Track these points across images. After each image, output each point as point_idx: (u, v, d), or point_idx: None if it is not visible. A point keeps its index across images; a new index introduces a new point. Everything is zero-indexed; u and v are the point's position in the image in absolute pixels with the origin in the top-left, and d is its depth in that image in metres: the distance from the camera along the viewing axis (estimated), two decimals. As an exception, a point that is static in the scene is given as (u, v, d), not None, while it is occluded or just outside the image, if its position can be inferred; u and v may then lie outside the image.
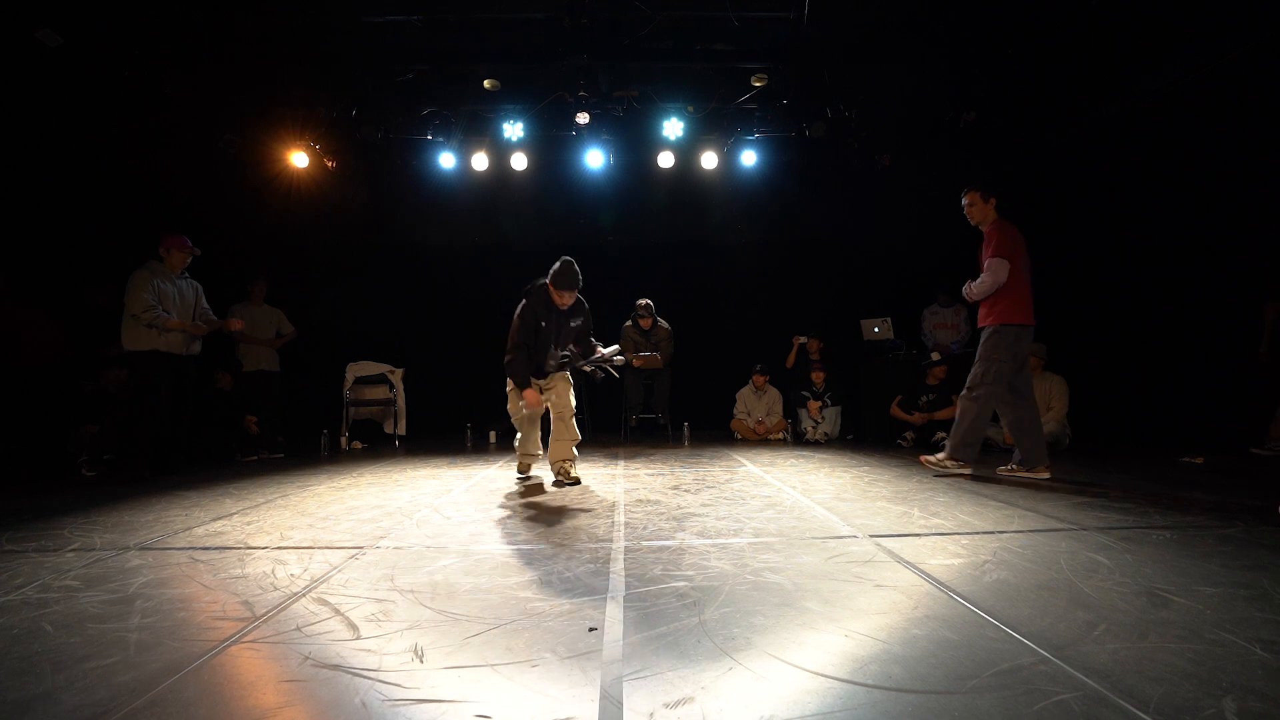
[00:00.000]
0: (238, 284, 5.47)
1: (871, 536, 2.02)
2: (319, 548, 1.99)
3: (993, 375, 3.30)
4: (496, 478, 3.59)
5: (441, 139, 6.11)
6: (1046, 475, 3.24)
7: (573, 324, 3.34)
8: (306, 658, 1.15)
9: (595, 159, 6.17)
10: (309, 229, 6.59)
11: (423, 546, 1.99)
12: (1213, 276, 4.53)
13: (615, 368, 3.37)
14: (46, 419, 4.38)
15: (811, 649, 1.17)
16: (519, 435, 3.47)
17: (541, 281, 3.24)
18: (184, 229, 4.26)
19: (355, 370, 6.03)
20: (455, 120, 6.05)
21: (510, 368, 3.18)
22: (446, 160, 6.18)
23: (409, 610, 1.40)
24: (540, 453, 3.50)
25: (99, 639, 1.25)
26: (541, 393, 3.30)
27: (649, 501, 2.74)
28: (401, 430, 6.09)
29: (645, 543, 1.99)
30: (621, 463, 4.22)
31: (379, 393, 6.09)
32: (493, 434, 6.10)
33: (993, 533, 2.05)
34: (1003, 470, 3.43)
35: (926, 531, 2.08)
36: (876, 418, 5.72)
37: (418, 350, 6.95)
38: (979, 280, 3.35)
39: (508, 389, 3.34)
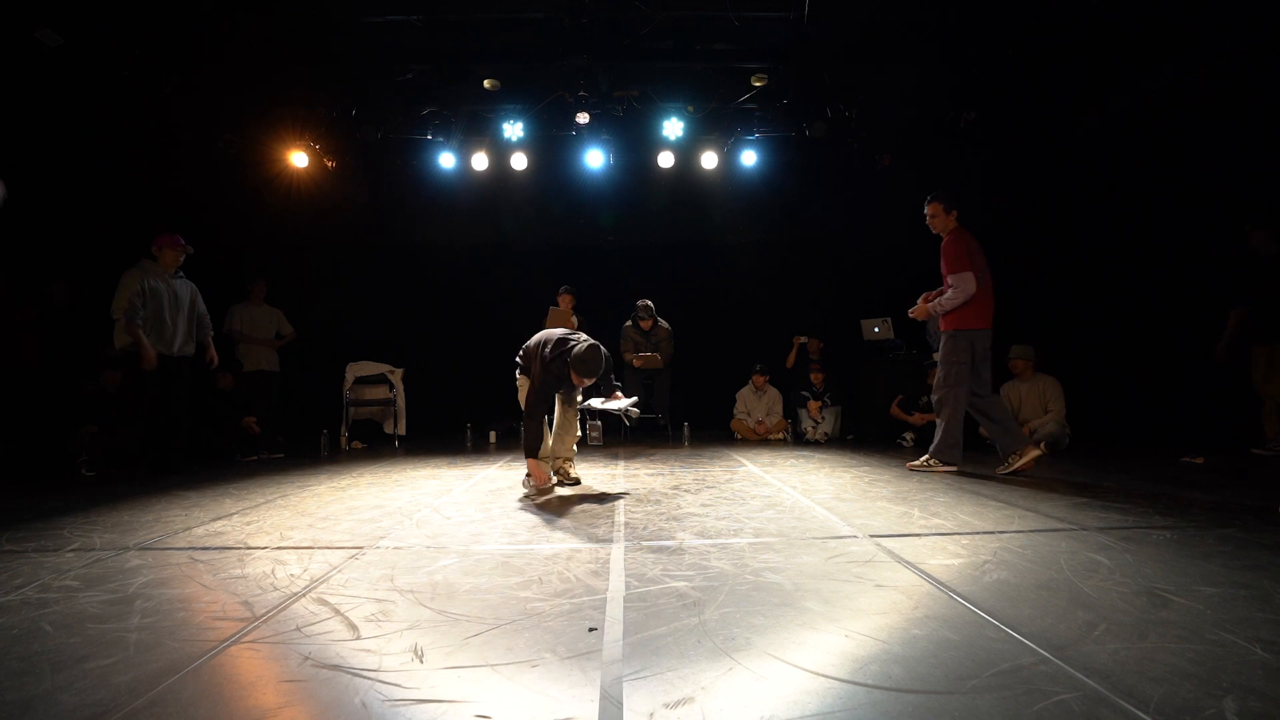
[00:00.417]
0: (238, 284, 5.48)
1: (871, 536, 2.02)
2: (319, 548, 1.99)
3: (954, 377, 3.52)
4: (496, 478, 3.59)
5: (441, 139, 6.12)
6: (1038, 452, 3.36)
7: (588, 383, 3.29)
8: (306, 658, 1.15)
9: (595, 159, 6.17)
10: (309, 229, 6.60)
11: (423, 546, 1.99)
12: (1213, 276, 4.53)
13: (630, 417, 3.33)
14: (46, 419, 4.38)
15: (811, 649, 1.17)
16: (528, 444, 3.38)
17: (561, 351, 3.02)
18: (184, 229, 4.25)
19: (355, 370, 6.03)
20: (455, 120, 6.06)
21: (525, 433, 3.08)
22: (446, 160, 6.19)
23: (409, 610, 1.40)
24: (560, 456, 3.41)
25: (98, 639, 1.25)
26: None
27: (649, 501, 2.74)
28: (401, 430, 6.09)
29: (645, 543, 1.99)
30: (621, 463, 4.22)
31: (379, 393, 6.09)
32: (493, 434, 6.10)
33: (993, 533, 2.05)
34: (1001, 471, 3.46)
35: (927, 531, 2.08)
36: (876, 418, 5.72)
37: (418, 350, 6.95)
38: (947, 295, 3.53)
39: (517, 382, 3.32)
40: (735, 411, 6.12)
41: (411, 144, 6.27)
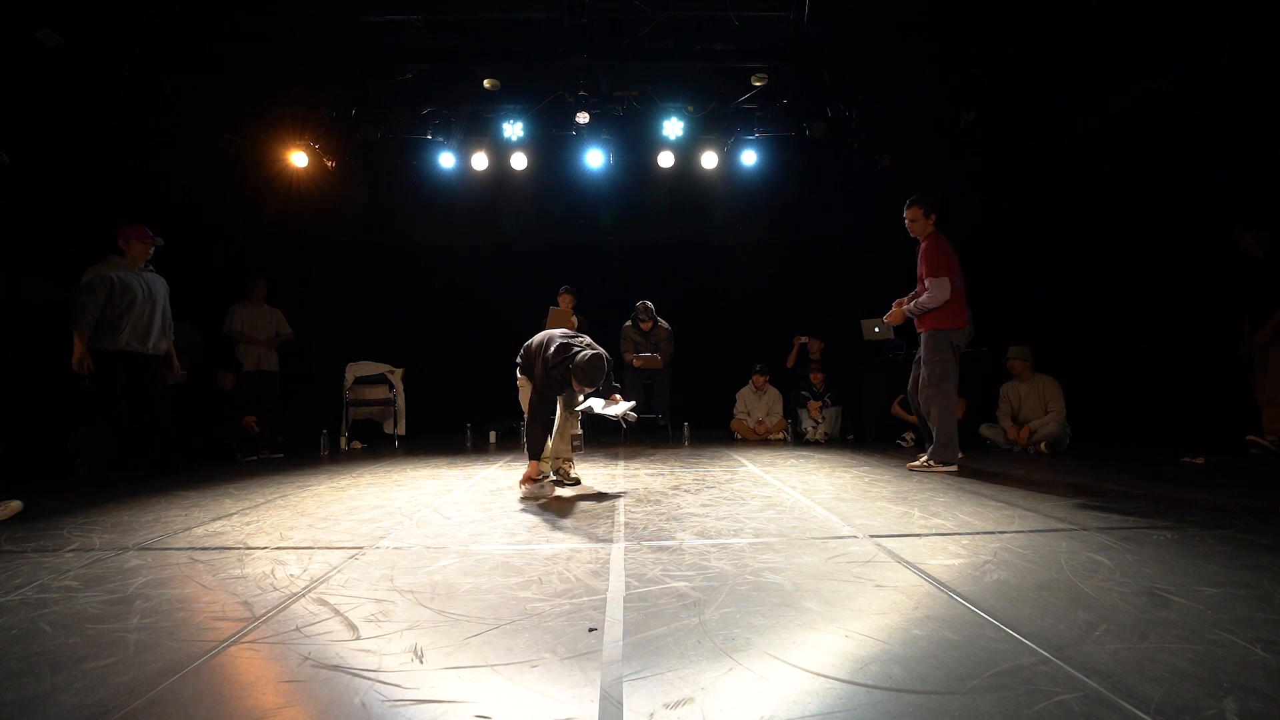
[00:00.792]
0: (238, 284, 5.48)
1: (872, 536, 2.02)
2: (319, 548, 1.99)
3: (938, 376, 3.59)
4: (496, 478, 3.58)
5: (441, 139, 6.12)
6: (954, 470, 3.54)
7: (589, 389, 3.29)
8: (306, 658, 1.15)
9: (595, 159, 6.17)
10: (309, 229, 6.59)
11: (423, 546, 1.99)
12: (1213, 276, 4.53)
13: (628, 421, 3.33)
14: (46, 419, 4.37)
15: (811, 649, 1.17)
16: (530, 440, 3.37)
17: (564, 357, 3.02)
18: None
19: (355, 370, 6.03)
20: (455, 120, 6.06)
21: (529, 437, 3.10)
22: (446, 160, 6.19)
23: (409, 610, 1.40)
24: (560, 456, 3.42)
25: (98, 639, 1.25)
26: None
27: (649, 501, 2.74)
28: (401, 430, 6.09)
29: (645, 543, 1.99)
30: (621, 463, 4.22)
31: (379, 393, 6.09)
32: (493, 434, 6.10)
33: (993, 533, 2.05)
34: (915, 466, 3.68)
35: (927, 532, 2.08)
36: (876, 418, 5.72)
37: (418, 350, 6.95)
38: (922, 299, 3.62)
39: (518, 382, 3.32)
40: (735, 411, 6.12)
41: (411, 144, 6.27)
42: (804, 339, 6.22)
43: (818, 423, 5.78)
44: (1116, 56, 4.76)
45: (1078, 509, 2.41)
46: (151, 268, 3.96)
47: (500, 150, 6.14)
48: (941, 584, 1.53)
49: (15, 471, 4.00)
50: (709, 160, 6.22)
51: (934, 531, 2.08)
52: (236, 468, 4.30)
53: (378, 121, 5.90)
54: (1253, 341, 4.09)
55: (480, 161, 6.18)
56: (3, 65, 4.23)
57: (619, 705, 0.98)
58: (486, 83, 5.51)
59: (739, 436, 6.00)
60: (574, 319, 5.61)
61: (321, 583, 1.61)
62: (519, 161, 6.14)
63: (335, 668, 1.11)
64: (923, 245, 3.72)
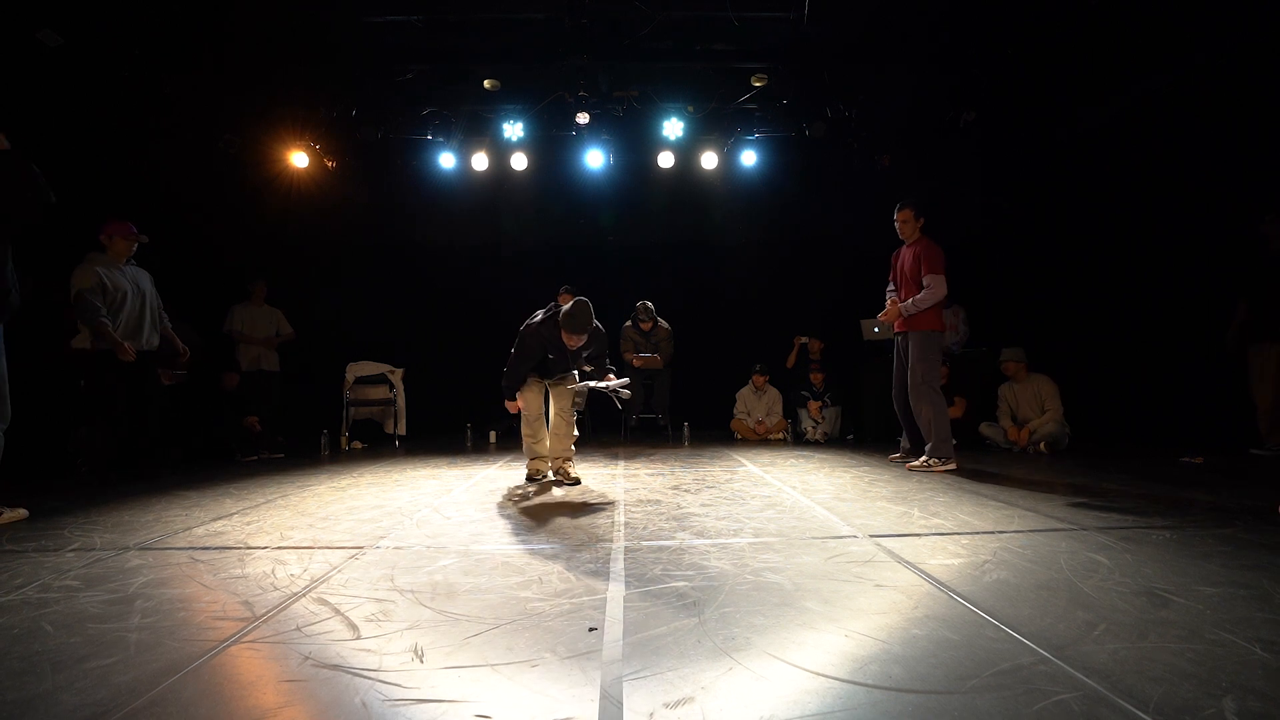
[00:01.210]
0: (238, 284, 5.48)
1: (871, 536, 2.02)
2: (319, 548, 1.99)
3: (932, 376, 3.68)
4: (496, 478, 3.59)
5: (441, 139, 6.12)
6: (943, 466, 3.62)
7: (584, 354, 3.28)
8: (306, 658, 1.15)
9: (595, 159, 6.17)
10: (309, 229, 6.59)
11: (423, 546, 1.99)
12: (1212, 276, 4.53)
13: (621, 400, 3.34)
14: (46, 419, 4.37)
15: (811, 649, 1.17)
16: (525, 438, 3.43)
17: (553, 312, 3.12)
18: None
19: (355, 370, 6.03)
20: (455, 120, 6.06)
21: (504, 389, 3.24)
22: (446, 160, 6.19)
23: (409, 610, 1.40)
24: (559, 456, 3.45)
25: (99, 639, 1.25)
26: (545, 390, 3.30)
27: (649, 501, 2.74)
28: (401, 430, 6.10)
29: (645, 543, 1.99)
30: (621, 463, 4.22)
31: (379, 393, 6.09)
32: (493, 434, 6.10)
33: (993, 533, 2.05)
34: (895, 458, 3.89)
35: (926, 531, 2.08)
36: (876, 418, 5.72)
37: (418, 350, 6.95)
38: (920, 296, 3.68)
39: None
40: (735, 411, 6.12)
41: (411, 144, 6.27)
42: (804, 339, 6.22)
43: (818, 423, 5.78)
44: (1116, 56, 4.77)
45: (1078, 509, 2.41)
46: (133, 262, 3.85)
47: (500, 150, 6.14)
48: (941, 584, 1.53)
49: (15, 471, 4.01)
50: (709, 160, 6.22)
51: (934, 531, 2.08)
52: (237, 468, 4.30)
53: (378, 121, 5.90)
54: (1230, 337, 4.10)
55: (480, 161, 6.18)
56: (3, 65, 4.23)
57: (619, 705, 0.98)
58: (486, 83, 5.51)
59: (739, 436, 6.00)
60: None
61: (322, 582, 1.61)
62: (519, 162, 6.14)
63: (336, 667, 1.11)
64: (915, 246, 3.80)
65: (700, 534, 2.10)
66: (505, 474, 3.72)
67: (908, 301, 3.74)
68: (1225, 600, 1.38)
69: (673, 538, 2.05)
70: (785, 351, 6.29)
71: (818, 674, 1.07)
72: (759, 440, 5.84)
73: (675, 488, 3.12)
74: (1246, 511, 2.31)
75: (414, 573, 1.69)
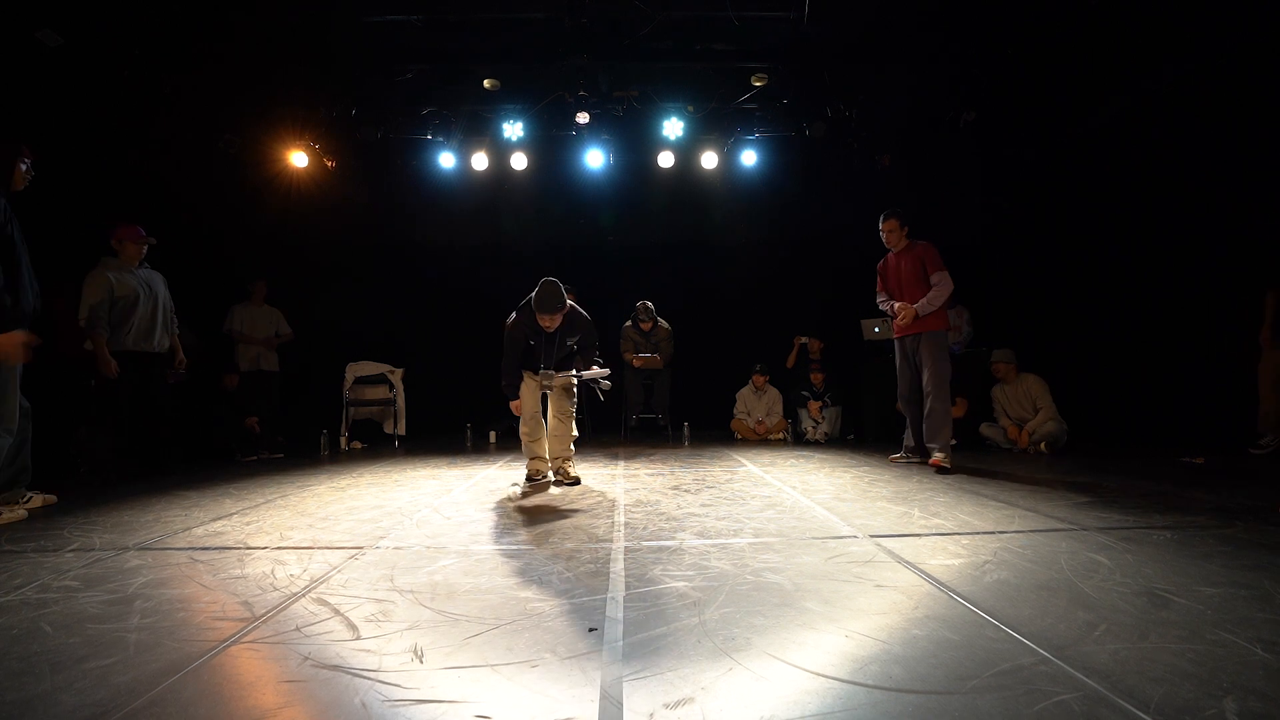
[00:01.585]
0: (238, 284, 5.48)
1: (871, 536, 2.02)
2: (319, 548, 1.99)
3: (947, 374, 3.72)
4: (496, 478, 3.58)
5: (441, 139, 6.11)
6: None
7: (569, 342, 3.26)
8: (306, 658, 1.15)
9: (595, 159, 6.17)
10: (309, 229, 6.59)
11: (422, 546, 1.99)
12: (1213, 276, 4.53)
13: (603, 390, 3.34)
14: (47, 419, 4.37)
15: (811, 649, 1.17)
16: (523, 438, 3.42)
17: (527, 300, 3.14)
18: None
19: (355, 370, 6.03)
20: (455, 120, 6.05)
21: (503, 388, 3.29)
22: (446, 160, 6.18)
23: (409, 610, 1.40)
24: (559, 456, 3.45)
25: (98, 639, 1.25)
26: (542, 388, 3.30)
27: (649, 501, 2.74)
28: (401, 430, 6.09)
29: (645, 543, 1.99)
30: (621, 463, 4.22)
31: (379, 393, 6.09)
32: (493, 434, 6.10)
33: (993, 533, 2.05)
34: (896, 459, 3.95)
35: (927, 531, 2.08)
36: (876, 418, 5.72)
37: (418, 350, 6.95)
38: (934, 293, 3.73)
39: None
40: (735, 411, 6.12)
41: (411, 144, 6.26)
42: (804, 339, 6.22)
43: (818, 423, 5.78)
44: (1116, 56, 4.76)
45: (1078, 509, 2.41)
46: (146, 265, 3.94)
47: (500, 150, 6.13)
48: (941, 584, 1.53)
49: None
50: (709, 160, 6.22)
51: (934, 531, 2.08)
52: (236, 468, 4.30)
53: (378, 121, 5.89)
54: (1262, 336, 4.03)
55: (480, 161, 6.18)
56: (3, 65, 4.23)
57: (619, 705, 0.98)
58: (486, 83, 5.50)
59: (739, 436, 6.00)
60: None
61: (321, 583, 1.61)
62: (519, 161, 6.14)
63: (335, 668, 1.11)
64: (913, 250, 3.88)
65: (700, 534, 2.10)
66: (505, 474, 3.72)
67: (922, 300, 3.76)
68: (1226, 600, 1.38)
69: (673, 538, 2.05)
70: (785, 351, 6.29)
71: (818, 674, 1.06)
72: (759, 440, 5.83)
73: (675, 488, 3.12)
74: (1247, 511, 2.31)
75: (414, 573, 1.69)
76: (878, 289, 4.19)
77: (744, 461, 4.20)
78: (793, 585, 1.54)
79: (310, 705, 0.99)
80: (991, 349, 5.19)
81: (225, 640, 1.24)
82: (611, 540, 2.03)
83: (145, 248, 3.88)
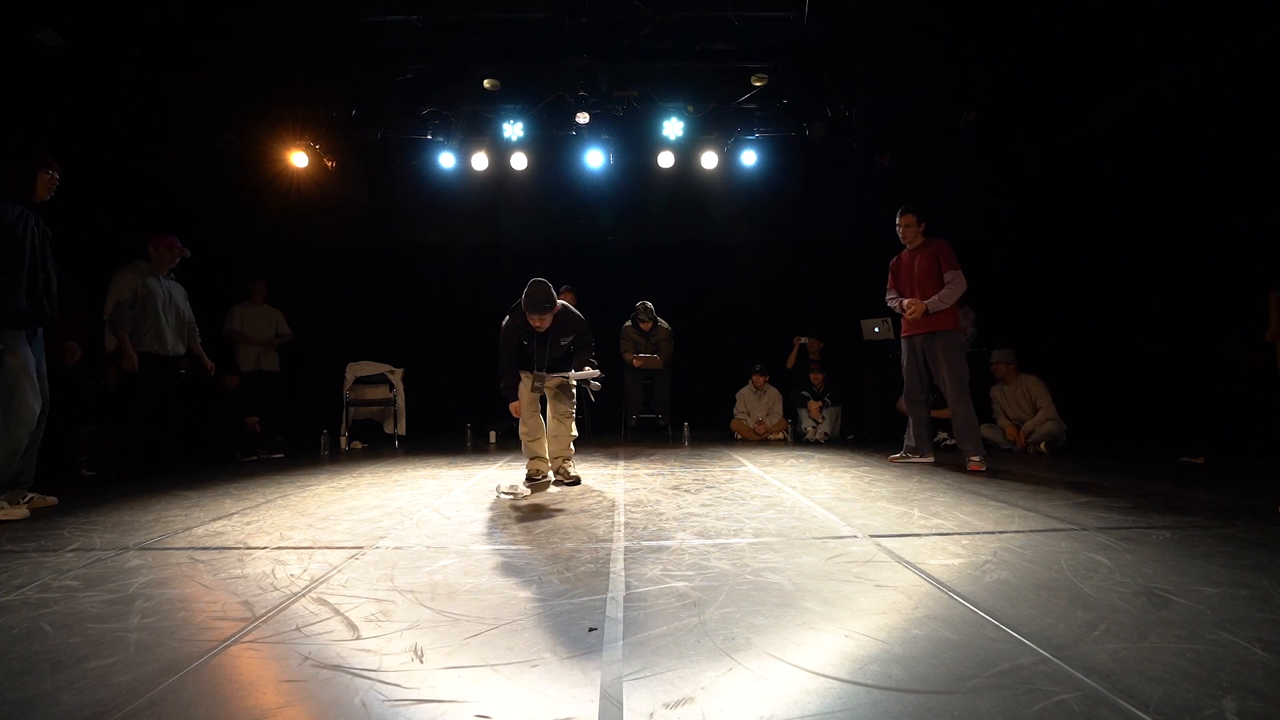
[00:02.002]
0: (238, 284, 5.48)
1: (871, 536, 2.02)
2: (319, 548, 1.99)
3: (965, 377, 3.71)
4: (496, 478, 3.58)
5: (441, 139, 6.12)
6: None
7: (562, 342, 3.25)
8: (306, 658, 1.15)
9: (595, 159, 6.17)
10: (309, 229, 6.59)
11: (423, 546, 1.99)
12: (1213, 276, 4.53)
13: (593, 391, 3.34)
14: (47, 419, 4.37)
15: (811, 649, 1.17)
16: (522, 438, 3.42)
17: (519, 301, 3.14)
18: (184, 229, 4.25)
19: (355, 370, 6.03)
20: (455, 120, 6.05)
21: (502, 390, 3.31)
22: (446, 160, 6.19)
23: (409, 610, 1.40)
24: (559, 456, 3.46)
25: (99, 639, 1.25)
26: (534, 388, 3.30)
27: (649, 501, 2.74)
28: (401, 430, 6.09)
29: (645, 543, 1.99)
30: (621, 463, 4.22)
31: (379, 393, 6.09)
32: (493, 434, 6.10)
33: (993, 533, 2.05)
34: (896, 458, 3.97)
35: (926, 531, 2.08)
36: (876, 418, 5.72)
37: (418, 350, 6.95)
38: (946, 291, 3.72)
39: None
40: (735, 411, 6.12)
41: (411, 144, 6.26)
42: (804, 339, 6.22)
43: (818, 423, 5.78)
44: (1116, 56, 4.76)
45: (1078, 509, 2.41)
46: (172, 275, 4.18)
47: (500, 150, 6.13)
48: (941, 584, 1.53)
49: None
50: (709, 160, 6.22)
51: (934, 531, 2.08)
52: (236, 468, 4.30)
53: (378, 121, 5.89)
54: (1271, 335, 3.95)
55: (480, 161, 6.18)
56: (3, 65, 4.23)
57: (619, 705, 0.98)
58: (486, 83, 5.50)
59: (739, 436, 6.00)
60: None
61: (322, 582, 1.61)
62: (519, 161, 6.14)
63: (335, 667, 1.11)
64: (929, 248, 3.86)
65: (700, 534, 2.10)
66: (505, 474, 3.72)
67: (934, 298, 3.74)
68: (1225, 600, 1.38)
69: (673, 538, 2.05)
70: (785, 351, 6.29)
71: (818, 674, 1.07)
72: (759, 440, 5.83)
73: (675, 488, 3.12)
74: (1246, 511, 2.31)
75: (414, 573, 1.69)
76: (888, 286, 4.15)
77: (744, 461, 4.20)
78: (793, 585, 1.54)
79: (310, 705, 0.99)
80: (987, 349, 5.19)
81: (225, 640, 1.24)
82: (611, 540, 2.04)
83: (178, 259, 4.13)
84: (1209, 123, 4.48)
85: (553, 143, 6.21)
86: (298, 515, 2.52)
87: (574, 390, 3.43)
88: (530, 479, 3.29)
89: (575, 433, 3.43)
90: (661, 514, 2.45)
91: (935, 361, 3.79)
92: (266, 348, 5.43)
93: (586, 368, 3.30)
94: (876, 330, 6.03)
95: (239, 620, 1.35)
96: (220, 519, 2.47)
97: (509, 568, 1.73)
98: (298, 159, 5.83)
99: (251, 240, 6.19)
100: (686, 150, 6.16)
